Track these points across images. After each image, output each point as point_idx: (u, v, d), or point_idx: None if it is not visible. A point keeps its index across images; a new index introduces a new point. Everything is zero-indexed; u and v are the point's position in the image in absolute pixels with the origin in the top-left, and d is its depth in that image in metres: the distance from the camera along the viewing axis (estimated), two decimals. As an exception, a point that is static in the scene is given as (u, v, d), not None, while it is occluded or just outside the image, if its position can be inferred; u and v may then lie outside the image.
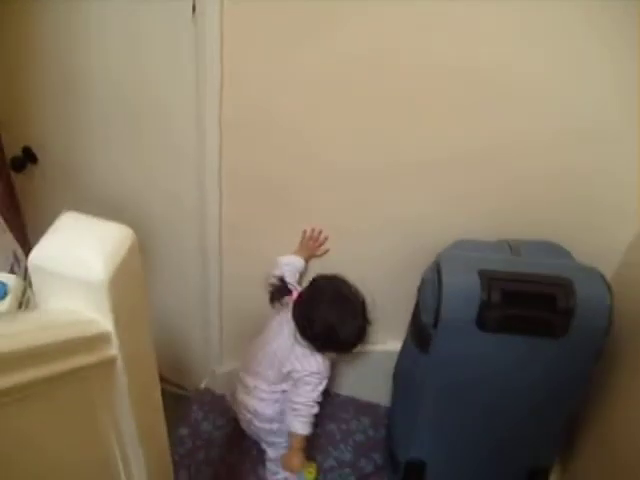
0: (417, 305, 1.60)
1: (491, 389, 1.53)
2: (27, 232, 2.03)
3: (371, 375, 2.01)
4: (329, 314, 1.60)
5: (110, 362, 0.73)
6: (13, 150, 1.87)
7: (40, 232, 0.67)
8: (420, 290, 1.59)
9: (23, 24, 1.59)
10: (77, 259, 0.65)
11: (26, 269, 1.32)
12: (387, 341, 1.93)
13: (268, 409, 1.75)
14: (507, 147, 1.52)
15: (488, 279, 1.38)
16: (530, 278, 1.41)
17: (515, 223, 1.63)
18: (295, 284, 1.75)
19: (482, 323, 1.39)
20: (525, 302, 1.40)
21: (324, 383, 1.70)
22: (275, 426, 1.78)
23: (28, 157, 1.89)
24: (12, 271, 1.37)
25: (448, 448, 1.67)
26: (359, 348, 1.71)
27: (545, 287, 1.39)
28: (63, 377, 0.66)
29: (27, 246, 2.11)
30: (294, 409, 1.67)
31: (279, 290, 1.73)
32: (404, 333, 1.72)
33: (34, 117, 1.81)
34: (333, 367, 1.77)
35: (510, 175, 1.58)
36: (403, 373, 1.74)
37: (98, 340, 0.69)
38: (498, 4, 1.31)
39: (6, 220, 1.48)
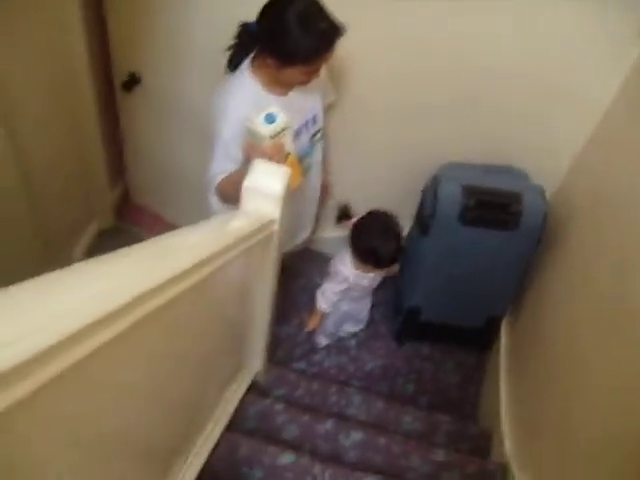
0: (421, 203, 2.37)
1: (467, 261, 2.30)
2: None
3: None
4: (376, 239, 2.12)
5: (272, 234, 1.50)
6: (122, 73, 2.47)
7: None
8: (424, 192, 2.36)
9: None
10: (269, 186, 1.40)
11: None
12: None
13: None
14: (488, 93, 2.20)
15: (468, 191, 2.14)
16: (495, 191, 2.16)
17: (492, 150, 2.35)
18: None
19: (462, 219, 2.16)
20: (490, 207, 2.15)
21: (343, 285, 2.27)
22: None
23: (134, 80, 2.47)
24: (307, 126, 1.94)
25: (437, 298, 2.47)
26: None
27: (503, 197, 2.15)
28: (257, 243, 1.42)
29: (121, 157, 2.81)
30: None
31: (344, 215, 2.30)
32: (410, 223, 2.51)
33: (142, 45, 2.39)
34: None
35: (490, 116, 2.28)
36: (410, 249, 2.49)
37: (271, 223, 1.46)
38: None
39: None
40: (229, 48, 1.76)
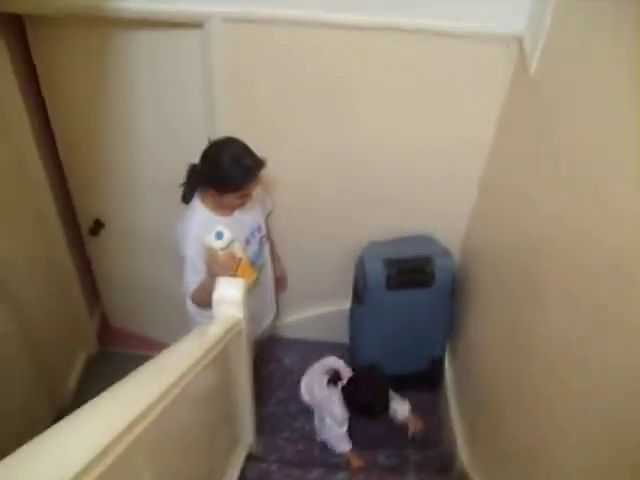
0: (355, 280, 2.89)
1: (401, 318, 2.80)
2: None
3: (340, 322, 3.21)
4: (368, 396, 2.57)
5: (240, 331, 1.96)
6: (87, 220, 2.97)
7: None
8: (355, 270, 2.88)
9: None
10: (232, 296, 1.87)
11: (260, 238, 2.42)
12: (344, 303, 3.17)
13: None
14: (390, 183, 2.75)
15: (388, 263, 2.67)
16: (410, 259, 2.71)
17: (402, 225, 2.88)
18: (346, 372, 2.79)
19: (389, 286, 2.68)
20: (409, 272, 2.69)
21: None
22: None
23: (99, 225, 2.97)
24: (253, 235, 2.38)
25: (383, 355, 2.89)
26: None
27: (418, 262, 2.70)
28: (230, 340, 1.88)
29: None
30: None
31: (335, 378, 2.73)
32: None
33: (101, 193, 2.89)
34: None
35: (395, 200, 2.81)
36: (353, 318, 3.01)
37: (238, 323, 1.92)
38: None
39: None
40: (181, 185, 2.23)
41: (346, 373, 2.79)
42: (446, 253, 2.76)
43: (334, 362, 2.90)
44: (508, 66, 2.23)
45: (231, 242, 2.09)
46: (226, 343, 1.82)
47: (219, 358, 1.79)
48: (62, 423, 0.96)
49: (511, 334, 2.14)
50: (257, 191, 2.35)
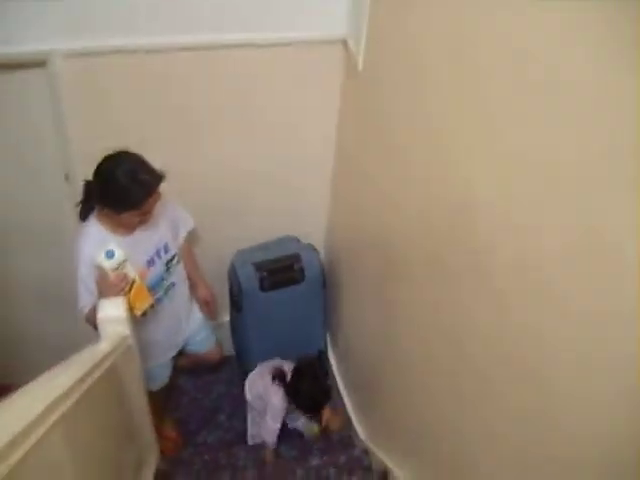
0: (230, 289, 3.03)
1: (280, 317, 2.98)
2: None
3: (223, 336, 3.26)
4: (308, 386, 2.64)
5: (129, 347, 2.04)
6: None
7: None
8: (229, 280, 3.01)
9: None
10: (115, 314, 1.95)
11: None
12: (223, 316, 3.30)
13: None
14: (253, 192, 2.94)
15: (258, 266, 2.84)
16: (278, 259, 2.90)
17: (268, 230, 3.08)
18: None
19: (262, 288, 2.85)
20: (279, 271, 2.88)
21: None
22: None
23: None
24: (159, 255, 2.23)
25: (270, 355, 3.03)
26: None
27: (287, 261, 2.90)
28: (120, 355, 1.96)
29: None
30: None
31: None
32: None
33: None
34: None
35: (260, 206, 2.99)
36: (234, 324, 3.17)
37: (125, 339, 2.00)
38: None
39: None
40: (78, 204, 2.10)
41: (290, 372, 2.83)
42: (311, 248, 2.99)
43: (279, 363, 2.93)
44: (340, 66, 2.55)
45: (123, 262, 1.98)
46: (116, 359, 1.88)
47: (111, 373, 1.86)
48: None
49: (379, 309, 2.39)
50: (168, 208, 2.28)
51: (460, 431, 1.70)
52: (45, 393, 1.17)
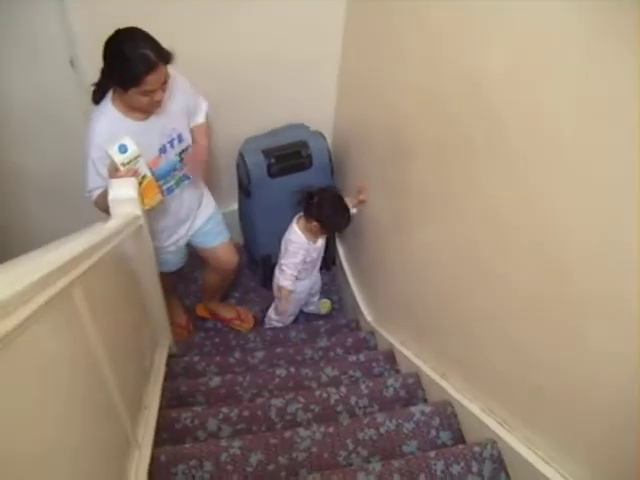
0: (238, 176, 3.02)
1: (287, 204, 2.97)
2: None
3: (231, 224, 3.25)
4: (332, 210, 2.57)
5: (140, 227, 2.06)
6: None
7: None
8: (237, 168, 3.00)
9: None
10: (126, 194, 1.96)
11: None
12: (232, 204, 3.33)
13: None
14: (262, 80, 2.88)
15: (267, 153, 2.82)
16: (286, 145, 2.87)
17: (276, 118, 3.04)
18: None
19: (271, 174, 2.84)
20: (287, 157, 2.85)
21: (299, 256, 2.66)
22: None
23: None
24: (172, 144, 2.19)
25: (277, 243, 3.09)
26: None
27: (294, 147, 2.87)
28: (132, 234, 1.98)
29: None
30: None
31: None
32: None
33: None
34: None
35: (267, 94, 2.94)
36: (242, 211, 3.17)
37: (137, 219, 2.02)
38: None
39: None
40: (92, 85, 2.05)
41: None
42: (319, 135, 2.94)
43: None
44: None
45: (136, 158, 1.96)
46: (127, 235, 1.89)
47: (123, 251, 1.89)
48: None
49: (386, 192, 2.39)
50: (181, 93, 2.21)
51: (458, 312, 1.81)
52: (59, 253, 1.15)
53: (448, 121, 1.69)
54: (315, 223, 2.59)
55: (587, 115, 1.07)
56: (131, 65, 1.85)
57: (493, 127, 1.42)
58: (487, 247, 1.55)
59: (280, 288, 2.76)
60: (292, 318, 3.15)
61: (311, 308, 3.19)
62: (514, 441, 1.55)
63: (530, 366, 1.44)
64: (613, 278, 1.08)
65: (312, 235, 2.68)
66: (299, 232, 2.66)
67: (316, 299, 3.23)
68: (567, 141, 1.13)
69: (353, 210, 2.67)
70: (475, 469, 1.60)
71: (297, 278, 2.76)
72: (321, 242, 2.75)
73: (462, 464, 1.60)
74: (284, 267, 2.72)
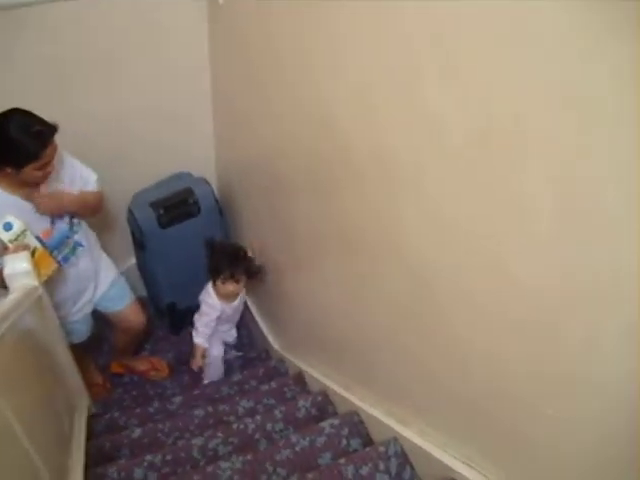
0: (131, 231, 3.11)
1: (184, 252, 3.08)
2: None
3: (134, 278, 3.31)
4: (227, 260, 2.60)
5: (40, 297, 2.12)
6: None
7: None
8: (129, 223, 3.09)
9: None
10: (20, 267, 2.01)
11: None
12: (130, 259, 3.40)
13: None
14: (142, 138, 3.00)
15: (155, 205, 2.93)
16: (172, 195, 2.99)
17: (160, 169, 3.16)
18: None
19: (161, 225, 2.95)
20: (175, 207, 2.98)
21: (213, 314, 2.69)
22: None
23: None
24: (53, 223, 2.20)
25: (178, 289, 3.20)
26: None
27: (181, 196, 3.00)
28: (32, 305, 2.03)
29: None
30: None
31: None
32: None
33: None
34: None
35: (149, 149, 3.06)
36: (141, 264, 3.26)
37: (35, 289, 2.08)
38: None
39: None
40: None
41: None
42: (203, 181, 3.10)
43: None
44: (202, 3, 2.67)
45: (23, 232, 1.99)
46: (27, 308, 1.94)
47: (25, 324, 1.93)
48: None
49: (275, 223, 2.56)
50: (66, 164, 2.26)
51: (359, 325, 1.95)
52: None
53: (311, 152, 1.87)
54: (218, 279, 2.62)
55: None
56: (26, 145, 1.91)
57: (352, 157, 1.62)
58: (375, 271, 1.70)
59: (194, 345, 2.79)
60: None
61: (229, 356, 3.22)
62: (412, 435, 1.73)
63: (422, 372, 1.61)
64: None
65: (224, 298, 2.71)
66: (212, 293, 2.69)
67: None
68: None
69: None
70: (382, 467, 1.76)
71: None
72: (238, 301, 2.80)
73: (370, 465, 1.76)
74: (197, 324, 2.77)
